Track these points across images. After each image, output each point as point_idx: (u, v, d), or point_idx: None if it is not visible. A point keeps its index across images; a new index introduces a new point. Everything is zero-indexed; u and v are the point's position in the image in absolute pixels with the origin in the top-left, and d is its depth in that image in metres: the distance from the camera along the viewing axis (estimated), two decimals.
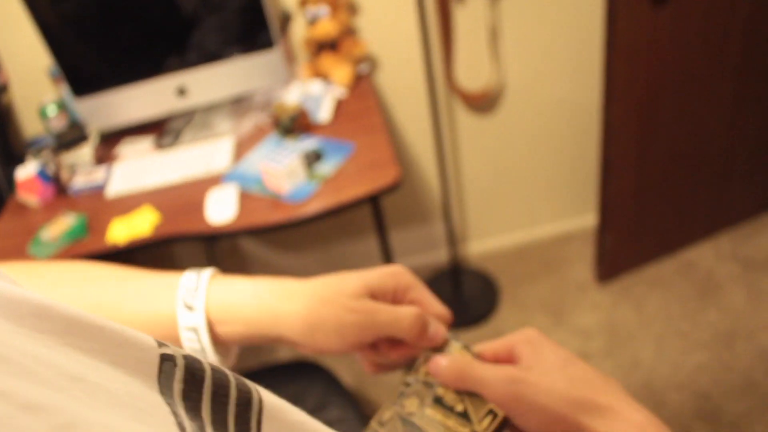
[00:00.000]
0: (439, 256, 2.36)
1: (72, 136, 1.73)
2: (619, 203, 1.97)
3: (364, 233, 2.26)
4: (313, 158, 1.46)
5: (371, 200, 1.44)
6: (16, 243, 1.51)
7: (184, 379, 0.28)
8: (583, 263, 2.25)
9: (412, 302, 0.55)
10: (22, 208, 1.64)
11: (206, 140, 1.70)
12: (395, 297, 0.55)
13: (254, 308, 0.53)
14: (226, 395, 0.30)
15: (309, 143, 1.53)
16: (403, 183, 2.11)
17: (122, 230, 1.41)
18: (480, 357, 0.52)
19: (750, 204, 2.24)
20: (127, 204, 1.53)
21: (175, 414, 0.26)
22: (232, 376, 0.31)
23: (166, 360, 0.28)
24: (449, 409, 0.50)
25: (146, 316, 0.54)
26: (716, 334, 1.93)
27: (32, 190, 1.61)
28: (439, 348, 0.54)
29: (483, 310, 2.16)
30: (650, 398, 1.80)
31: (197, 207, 1.45)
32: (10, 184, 1.70)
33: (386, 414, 0.52)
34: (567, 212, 2.35)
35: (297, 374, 1.31)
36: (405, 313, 0.52)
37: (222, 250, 2.22)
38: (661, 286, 2.11)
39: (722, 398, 1.77)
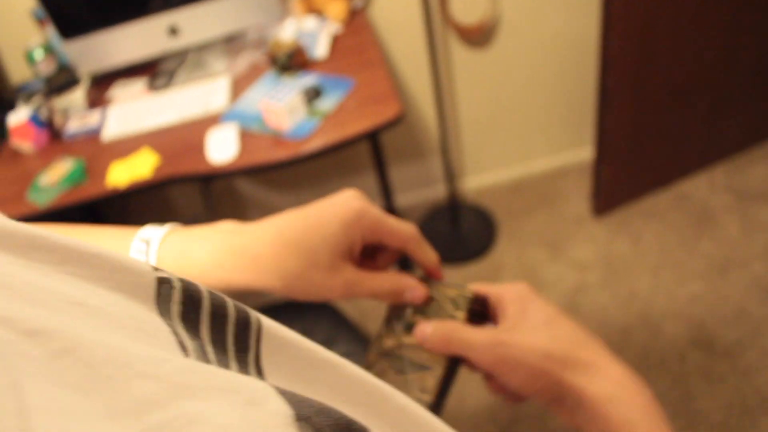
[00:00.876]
0: (437, 192, 2.37)
1: (62, 79, 1.70)
2: (615, 136, 1.97)
3: (360, 170, 2.25)
4: (312, 94, 1.44)
5: (370, 136, 1.43)
6: (15, 191, 1.49)
7: (182, 301, 0.29)
8: (579, 197, 2.26)
9: (380, 246, 0.55)
10: (16, 155, 1.62)
11: (201, 80, 1.67)
12: (364, 240, 0.54)
13: (218, 279, 0.51)
14: (225, 315, 0.30)
15: (308, 80, 1.50)
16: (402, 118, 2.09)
17: (122, 173, 1.40)
18: (477, 296, 0.53)
19: (743, 136, 2.24)
20: (125, 147, 1.51)
21: (175, 333, 0.27)
22: (229, 299, 0.31)
23: (163, 283, 0.29)
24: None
25: None
26: (710, 265, 1.96)
27: (26, 136, 1.58)
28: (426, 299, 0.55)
29: (481, 244, 2.18)
30: (647, 328, 1.84)
31: (197, 147, 1.44)
32: (2, 130, 1.67)
33: (371, 356, 0.55)
34: (563, 146, 2.35)
35: (302, 312, 1.32)
36: (381, 287, 0.53)
37: (218, 191, 2.21)
38: (656, 218, 2.13)
39: (716, 327, 1.81)
